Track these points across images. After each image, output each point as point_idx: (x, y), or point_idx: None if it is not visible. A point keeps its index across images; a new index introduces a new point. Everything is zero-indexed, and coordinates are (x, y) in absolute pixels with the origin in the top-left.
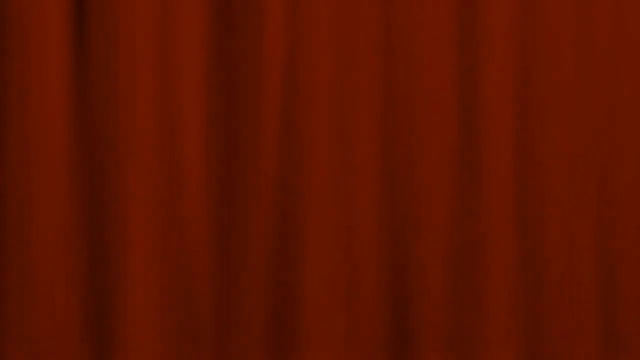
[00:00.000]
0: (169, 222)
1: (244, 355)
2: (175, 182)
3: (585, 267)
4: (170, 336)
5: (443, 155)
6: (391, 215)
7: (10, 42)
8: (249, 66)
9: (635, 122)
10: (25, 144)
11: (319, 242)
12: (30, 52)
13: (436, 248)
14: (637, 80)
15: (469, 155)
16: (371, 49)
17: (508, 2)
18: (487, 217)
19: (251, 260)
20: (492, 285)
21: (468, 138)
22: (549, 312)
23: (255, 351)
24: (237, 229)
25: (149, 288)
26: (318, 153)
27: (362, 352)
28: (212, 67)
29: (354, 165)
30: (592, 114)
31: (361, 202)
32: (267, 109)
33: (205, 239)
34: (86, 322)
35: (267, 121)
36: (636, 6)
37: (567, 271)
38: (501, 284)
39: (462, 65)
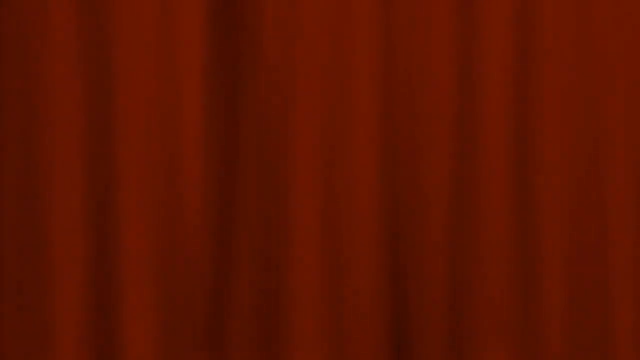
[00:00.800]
0: (167, 221)
1: (242, 355)
2: (174, 181)
3: (584, 267)
4: (167, 336)
5: (442, 155)
6: (390, 216)
7: (12, 42)
8: (249, 66)
9: (634, 120)
10: (24, 143)
11: (318, 242)
12: (33, 51)
13: (435, 248)
14: (637, 78)
15: (468, 155)
16: (371, 49)
17: (508, 1)
18: (486, 216)
19: (249, 259)
20: (491, 285)
21: (467, 138)
22: (549, 312)
23: (253, 351)
24: (236, 228)
25: (147, 287)
26: (318, 152)
27: (361, 352)
28: (212, 67)
29: (353, 165)
30: (592, 113)
31: (360, 202)
32: (267, 108)
33: (204, 239)
34: (85, 321)
35: (266, 121)
36: (636, 6)
37: (566, 271)
38: (501, 284)
39: (461, 64)
